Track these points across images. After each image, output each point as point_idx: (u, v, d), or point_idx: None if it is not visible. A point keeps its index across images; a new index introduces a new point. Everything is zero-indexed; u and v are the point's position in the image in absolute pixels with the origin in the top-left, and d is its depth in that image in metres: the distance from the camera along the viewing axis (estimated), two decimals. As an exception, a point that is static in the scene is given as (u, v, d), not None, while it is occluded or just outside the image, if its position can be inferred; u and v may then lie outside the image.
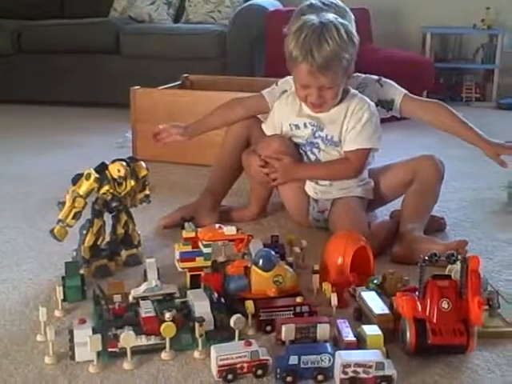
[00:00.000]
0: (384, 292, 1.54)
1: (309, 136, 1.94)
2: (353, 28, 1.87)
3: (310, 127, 1.93)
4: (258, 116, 2.12)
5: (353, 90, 1.93)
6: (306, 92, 1.85)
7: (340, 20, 1.83)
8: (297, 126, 1.95)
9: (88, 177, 1.64)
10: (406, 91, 2.04)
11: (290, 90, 2.00)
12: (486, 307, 1.42)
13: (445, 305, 1.29)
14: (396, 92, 2.02)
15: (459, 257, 1.32)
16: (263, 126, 2.04)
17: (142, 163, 1.76)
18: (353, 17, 2.00)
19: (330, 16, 1.83)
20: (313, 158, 1.97)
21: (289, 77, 2.06)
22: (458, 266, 1.37)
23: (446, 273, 1.46)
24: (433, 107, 2.04)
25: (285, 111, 1.97)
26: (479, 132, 1.96)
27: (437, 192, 1.97)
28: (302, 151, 1.98)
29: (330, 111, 1.90)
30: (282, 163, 1.91)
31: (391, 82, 2.06)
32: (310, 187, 1.98)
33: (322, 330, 1.31)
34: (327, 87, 1.83)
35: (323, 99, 1.85)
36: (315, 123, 1.92)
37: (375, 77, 2.06)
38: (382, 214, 2.12)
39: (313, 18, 1.82)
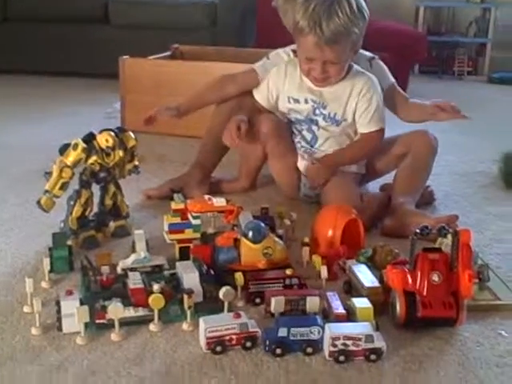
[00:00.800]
0: (374, 265, 1.53)
1: (308, 112, 1.90)
2: (363, 1, 1.79)
3: (311, 103, 1.89)
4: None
5: (356, 66, 1.88)
6: (309, 65, 1.80)
7: None
8: (296, 101, 1.91)
9: (75, 147, 1.61)
10: (394, 80, 2.02)
11: (286, 60, 1.96)
12: (476, 280, 1.42)
13: (435, 278, 1.28)
14: (384, 80, 1.97)
15: (450, 230, 1.32)
16: (254, 93, 1.98)
17: (131, 133, 1.74)
18: None
19: None
20: (309, 136, 1.94)
21: (280, 50, 2.01)
22: (448, 239, 1.37)
23: (437, 246, 1.46)
24: (410, 106, 2.02)
25: (283, 82, 1.92)
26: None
27: (429, 167, 1.96)
28: (296, 129, 1.95)
29: (333, 87, 1.86)
30: (310, 171, 1.87)
31: (383, 65, 2.02)
32: (302, 164, 1.95)
33: (312, 303, 1.30)
34: (332, 62, 1.77)
35: (327, 74, 1.80)
36: (317, 100, 1.88)
37: (368, 54, 2.01)
38: (374, 187, 2.11)
39: None
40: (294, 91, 1.90)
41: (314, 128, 1.92)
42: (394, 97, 2.00)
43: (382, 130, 1.90)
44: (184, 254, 1.55)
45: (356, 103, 1.86)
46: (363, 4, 1.78)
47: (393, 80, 2.02)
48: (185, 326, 1.30)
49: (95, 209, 1.74)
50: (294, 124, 1.95)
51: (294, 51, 1.96)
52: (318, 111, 1.89)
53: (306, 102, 1.89)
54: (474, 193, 2.19)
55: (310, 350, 1.21)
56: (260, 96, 1.97)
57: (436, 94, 4.19)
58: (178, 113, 2.04)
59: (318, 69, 1.79)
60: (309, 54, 1.78)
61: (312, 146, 1.95)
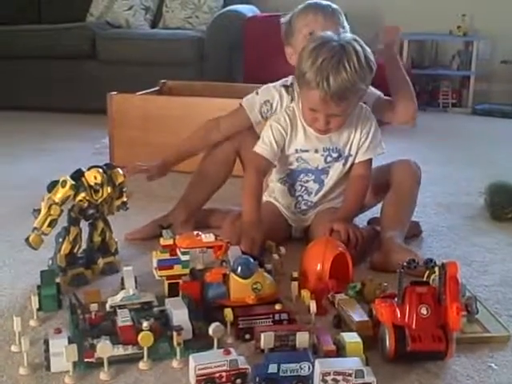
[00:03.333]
0: (363, 298, 1.54)
1: (318, 164, 1.89)
2: (370, 52, 1.76)
3: (321, 153, 1.87)
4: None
5: None
6: (313, 115, 1.78)
7: (360, 42, 1.73)
8: (305, 151, 1.88)
9: (64, 184, 1.62)
10: (379, 92, 2.02)
11: (275, 100, 1.93)
12: (465, 313, 1.43)
13: (424, 311, 1.28)
14: (371, 96, 1.95)
15: (437, 263, 1.33)
16: (257, 149, 1.87)
17: (119, 170, 1.74)
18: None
19: (350, 37, 1.74)
20: (315, 187, 1.92)
21: (271, 85, 1.98)
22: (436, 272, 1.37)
23: (425, 279, 1.47)
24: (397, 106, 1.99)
25: (289, 134, 1.87)
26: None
27: (414, 196, 1.96)
28: (300, 183, 1.92)
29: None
30: (343, 229, 1.76)
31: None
32: (294, 221, 1.97)
33: (302, 338, 1.30)
34: (337, 115, 1.77)
35: (329, 125, 1.79)
36: (328, 146, 1.87)
37: None
38: (362, 220, 2.12)
39: (332, 37, 1.72)
40: (301, 142, 1.87)
41: (324, 177, 1.91)
42: (381, 105, 1.98)
43: (371, 159, 1.91)
44: (173, 291, 1.55)
45: (360, 134, 1.87)
46: (371, 56, 1.74)
47: (378, 92, 2.01)
48: (174, 363, 1.29)
49: (84, 245, 1.73)
50: (297, 176, 1.92)
51: (285, 86, 1.95)
52: (329, 158, 1.88)
53: (316, 151, 1.88)
54: (461, 224, 2.20)
55: (300, 386, 1.21)
56: (268, 153, 1.86)
57: (421, 126, 4.24)
58: (162, 169, 2.02)
59: (321, 121, 1.77)
60: (313, 106, 1.75)
61: (315, 195, 1.94)
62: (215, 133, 2.01)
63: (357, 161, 1.91)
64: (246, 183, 1.87)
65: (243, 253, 1.61)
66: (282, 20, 2.00)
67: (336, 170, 1.91)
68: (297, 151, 1.89)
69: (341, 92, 1.68)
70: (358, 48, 1.71)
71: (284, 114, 1.89)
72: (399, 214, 1.91)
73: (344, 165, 1.91)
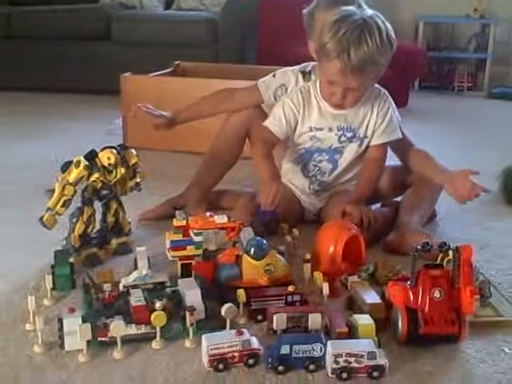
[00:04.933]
0: (376, 281, 1.53)
1: (332, 143, 1.87)
2: (392, 30, 1.74)
3: (335, 131, 1.86)
4: (262, 105, 2.02)
5: None
6: (331, 89, 1.77)
7: (382, 19, 1.71)
8: (319, 129, 1.86)
9: (78, 164, 1.62)
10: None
11: (291, 85, 1.94)
12: (478, 297, 1.42)
13: (437, 294, 1.28)
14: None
15: (451, 246, 1.32)
16: (268, 124, 1.87)
17: (133, 151, 1.75)
18: None
19: (372, 13, 1.72)
20: (329, 167, 1.91)
21: (289, 69, 1.98)
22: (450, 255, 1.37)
23: (438, 262, 1.46)
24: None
25: (302, 111, 1.86)
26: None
27: (436, 198, 1.97)
28: (313, 163, 1.91)
29: (355, 107, 1.84)
30: (354, 213, 1.75)
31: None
32: (307, 203, 1.96)
33: (314, 320, 1.30)
34: (354, 89, 1.75)
35: (345, 100, 1.78)
36: (342, 125, 1.85)
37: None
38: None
39: (355, 11, 1.71)
40: (316, 120, 1.86)
41: (337, 157, 1.90)
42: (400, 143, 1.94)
43: (386, 143, 1.90)
44: (186, 271, 1.56)
45: (376, 116, 1.86)
46: (392, 33, 1.73)
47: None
48: (187, 343, 1.30)
49: (97, 226, 1.74)
50: (311, 156, 1.91)
51: (303, 72, 1.95)
52: (343, 138, 1.87)
53: (330, 130, 1.86)
54: (475, 209, 2.18)
55: (312, 367, 1.21)
56: (276, 127, 1.86)
57: (436, 109, 4.21)
58: (172, 123, 2.05)
59: (338, 94, 1.76)
60: (332, 78, 1.73)
61: (329, 176, 1.93)
62: (227, 103, 2.04)
63: (372, 143, 1.89)
64: (255, 153, 1.88)
65: (255, 234, 1.61)
66: (304, 11, 1.97)
67: (351, 151, 1.90)
68: (311, 129, 1.87)
69: (360, 65, 1.67)
70: (381, 23, 1.70)
71: (298, 91, 1.88)
72: (419, 201, 1.91)
73: (359, 146, 1.90)
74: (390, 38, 1.72)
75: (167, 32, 4.02)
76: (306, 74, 1.96)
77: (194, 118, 2.12)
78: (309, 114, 1.86)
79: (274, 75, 2.00)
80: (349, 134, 1.87)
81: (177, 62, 3.23)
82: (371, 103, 1.86)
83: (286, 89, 1.97)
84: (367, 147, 1.90)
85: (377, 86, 1.88)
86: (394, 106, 1.90)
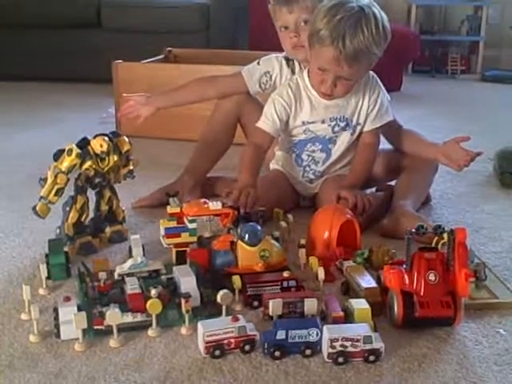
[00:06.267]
0: (371, 265, 1.53)
1: (326, 134, 1.87)
2: (387, 21, 1.73)
3: (328, 123, 1.85)
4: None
5: None
6: (322, 76, 1.75)
7: (378, 8, 1.70)
8: (312, 122, 1.86)
9: (70, 152, 1.61)
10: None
11: (275, 71, 1.94)
12: (473, 279, 1.42)
13: (432, 277, 1.28)
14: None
15: (446, 229, 1.32)
16: (261, 125, 1.85)
17: (125, 138, 1.73)
18: None
19: (369, 2, 1.70)
20: (322, 156, 1.90)
21: (273, 55, 1.97)
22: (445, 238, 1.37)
23: (433, 245, 1.46)
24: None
25: (292, 107, 1.85)
26: None
27: (431, 181, 1.98)
28: (306, 153, 1.90)
29: (346, 96, 1.83)
30: (349, 196, 1.74)
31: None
32: (302, 190, 1.96)
33: (310, 305, 1.30)
34: (346, 78, 1.73)
35: (335, 89, 1.76)
36: (335, 116, 1.84)
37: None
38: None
39: (351, 0, 1.68)
40: (308, 114, 1.85)
41: (331, 146, 1.89)
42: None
43: (380, 128, 1.89)
44: (181, 258, 1.55)
45: (368, 102, 1.85)
46: (387, 24, 1.72)
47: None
48: (183, 330, 1.29)
49: (91, 214, 1.73)
50: (304, 146, 1.90)
51: (287, 59, 1.94)
52: (337, 128, 1.86)
53: (323, 122, 1.85)
54: (470, 192, 2.19)
55: (308, 352, 1.21)
56: (269, 127, 1.84)
57: (429, 93, 4.21)
58: (150, 103, 2.02)
59: (328, 82, 1.74)
60: (324, 65, 1.71)
61: (322, 165, 1.92)
62: (212, 89, 2.02)
63: (366, 129, 1.89)
64: (244, 156, 1.84)
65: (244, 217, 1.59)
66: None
67: (344, 140, 1.89)
68: (303, 123, 1.87)
69: (355, 53, 1.66)
70: (377, 13, 1.69)
71: (287, 87, 1.86)
72: (413, 185, 1.91)
73: (352, 134, 1.89)
74: (386, 28, 1.71)
75: (158, 18, 3.99)
76: (289, 61, 1.95)
77: (174, 105, 2.11)
78: (300, 108, 1.85)
79: (258, 62, 1.98)
80: (342, 124, 1.87)
81: (169, 49, 3.21)
82: (362, 91, 1.85)
83: (271, 76, 1.95)
84: (360, 134, 1.90)
85: (369, 72, 1.86)
86: (382, 87, 1.89)
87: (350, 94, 1.83)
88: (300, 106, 1.85)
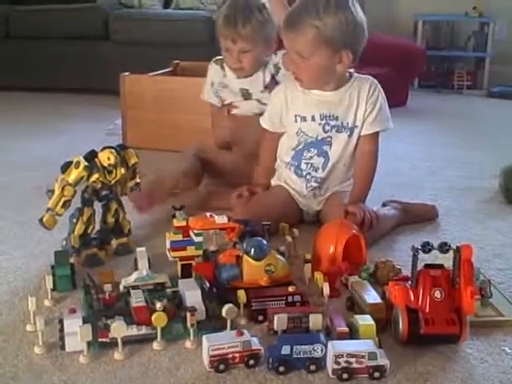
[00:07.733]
0: (376, 281, 1.53)
1: (318, 133, 1.88)
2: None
3: (318, 121, 1.87)
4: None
5: (356, 74, 1.89)
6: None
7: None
8: (303, 118, 1.88)
9: (77, 165, 1.62)
10: None
11: (212, 76, 2.25)
12: (478, 296, 1.42)
13: (437, 294, 1.28)
14: None
15: (451, 246, 1.32)
16: (262, 123, 1.99)
17: (132, 151, 1.74)
18: None
19: None
20: (320, 161, 1.90)
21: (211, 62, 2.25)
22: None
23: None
24: None
25: (286, 98, 1.91)
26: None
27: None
28: (305, 161, 1.91)
29: (339, 94, 1.85)
30: (358, 210, 1.76)
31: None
32: (305, 206, 1.96)
33: (315, 320, 1.30)
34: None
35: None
36: (326, 112, 1.86)
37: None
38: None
39: None
40: (301, 107, 1.89)
41: (326, 148, 1.89)
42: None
43: (381, 131, 1.90)
44: (186, 272, 1.56)
45: (365, 105, 1.86)
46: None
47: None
48: (188, 343, 1.29)
49: (97, 227, 1.74)
50: (301, 156, 1.91)
51: (215, 60, 2.27)
52: (327, 126, 1.87)
53: (313, 119, 1.87)
54: (475, 208, 2.19)
55: (313, 367, 1.21)
56: (266, 123, 1.99)
57: (435, 108, 4.21)
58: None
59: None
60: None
61: (323, 170, 1.91)
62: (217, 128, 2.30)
63: (363, 133, 1.89)
64: (259, 161, 2.03)
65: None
66: None
67: (340, 142, 1.89)
68: (296, 119, 1.89)
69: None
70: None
71: (281, 87, 1.97)
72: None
73: (350, 137, 1.89)
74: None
75: (166, 31, 4.02)
76: (218, 61, 2.26)
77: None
78: (292, 100, 1.91)
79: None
80: (332, 123, 1.87)
81: (176, 62, 3.23)
82: (357, 91, 1.86)
83: (213, 83, 2.25)
84: (359, 138, 1.90)
85: (369, 77, 1.89)
86: (383, 94, 1.90)
87: (341, 92, 1.86)
88: (292, 98, 1.91)
